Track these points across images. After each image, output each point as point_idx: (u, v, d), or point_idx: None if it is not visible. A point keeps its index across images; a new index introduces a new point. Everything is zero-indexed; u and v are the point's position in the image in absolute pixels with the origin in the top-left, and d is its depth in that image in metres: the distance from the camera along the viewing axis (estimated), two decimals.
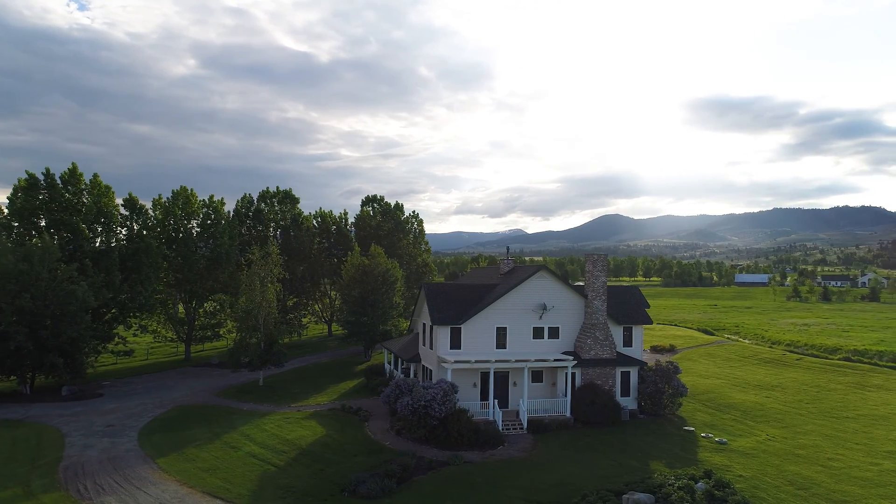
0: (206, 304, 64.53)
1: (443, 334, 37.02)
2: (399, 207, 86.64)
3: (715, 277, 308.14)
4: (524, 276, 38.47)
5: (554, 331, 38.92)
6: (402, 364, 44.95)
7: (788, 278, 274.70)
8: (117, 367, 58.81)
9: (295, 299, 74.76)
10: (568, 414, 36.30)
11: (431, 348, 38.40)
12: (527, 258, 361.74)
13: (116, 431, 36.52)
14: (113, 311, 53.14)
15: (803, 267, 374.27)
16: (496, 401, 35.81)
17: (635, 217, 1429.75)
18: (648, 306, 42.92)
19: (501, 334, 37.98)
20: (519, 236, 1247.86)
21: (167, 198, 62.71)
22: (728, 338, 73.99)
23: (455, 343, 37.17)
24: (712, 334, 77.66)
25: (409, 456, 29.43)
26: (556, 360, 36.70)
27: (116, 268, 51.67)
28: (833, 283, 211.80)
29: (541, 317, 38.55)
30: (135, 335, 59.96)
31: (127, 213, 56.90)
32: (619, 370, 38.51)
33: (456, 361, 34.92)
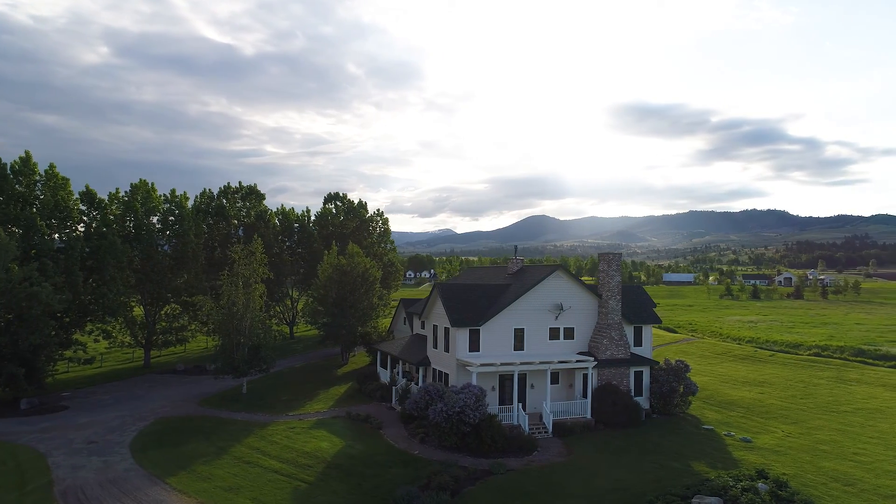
0: (168, 307, 60.06)
1: (461, 337, 35.61)
2: (363, 205, 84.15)
3: (643, 277, 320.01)
4: (541, 277, 37.62)
5: (569, 331, 38.31)
6: (404, 367, 43.15)
7: (711, 277, 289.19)
8: (69, 375, 53.73)
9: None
10: (589, 415, 35.74)
11: (447, 351, 36.88)
12: (463, 258, 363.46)
13: (102, 448, 32.94)
14: (70, 315, 48.37)
15: (720, 266, 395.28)
16: (513, 404, 34.90)
17: (561, 218, 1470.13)
18: (655, 305, 43.11)
19: (519, 336, 36.98)
20: (449, 236, 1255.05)
21: (125, 191, 57.99)
22: (692, 335, 76.25)
23: (474, 346, 35.84)
24: (675, 332, 79.83)
25: (454, 466, 27.90)
26: (577, 360, 36.07)
27: (78, 267, 47.11)
28: (753, 281, 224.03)
29: (557, 317, 37.83)
30: (96, 341, 54.98)
31: (84, 208, 52.07)
32: (632, 370, 38.33)
33: (482, 365, 33.61)
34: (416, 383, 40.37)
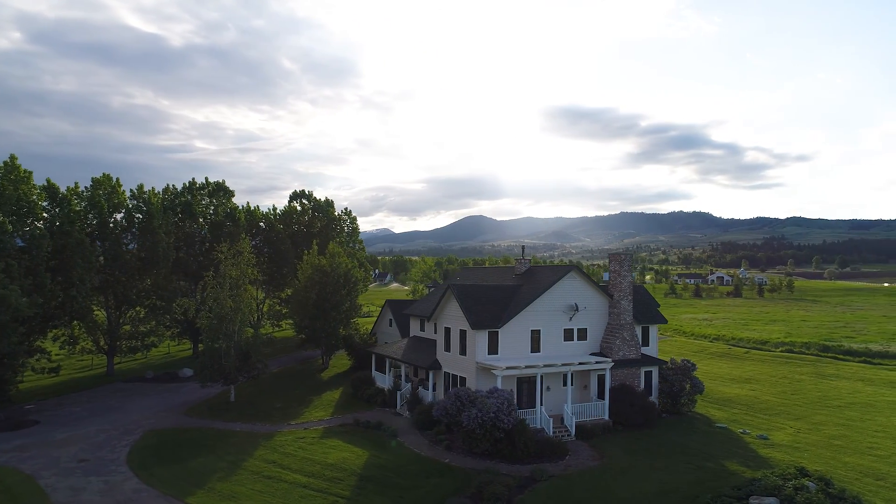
0: (133, 310, 56.09)
1: (480, 339, 34.62)
2: (330, 203, 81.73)
3: None
4: (556, 277, 37.08)
5: (582, 332, 37.97)
6: (409, 371, 41.78)
7: (648, 276, 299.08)
8: (27, 385, 49.11)
9: None
10: (606, 416, 35.50)
11: (463, 354, 35.79)
12: (407, 258, 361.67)
13: (97, 467, 30.14)
14: (33, 320, 44.29)
15: (652, 266, 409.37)
16: (535, 407, 34.26)
17: (497, 218, 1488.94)
18: (659, 305, 43.38)
19: (535, 337, 36.33)
20: (386, 235, 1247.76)
21: (85, 186, 53.78)
22: (660, 333, 77.88)
23: (492, 348, 34.91)
24: None
25: (500, 474, 26.91)
26: (597, 362, 35.76)
27: (43, 268, 43.21)
28: (693, 280, 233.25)
29: (571, 318, 37.42)
30: (62, 348, 50.69)
31: (46, 204, 47.91)
32: (642, 370, 38.41)
33: (507, 368, 32.72)
34: (426, 388, 39.10)
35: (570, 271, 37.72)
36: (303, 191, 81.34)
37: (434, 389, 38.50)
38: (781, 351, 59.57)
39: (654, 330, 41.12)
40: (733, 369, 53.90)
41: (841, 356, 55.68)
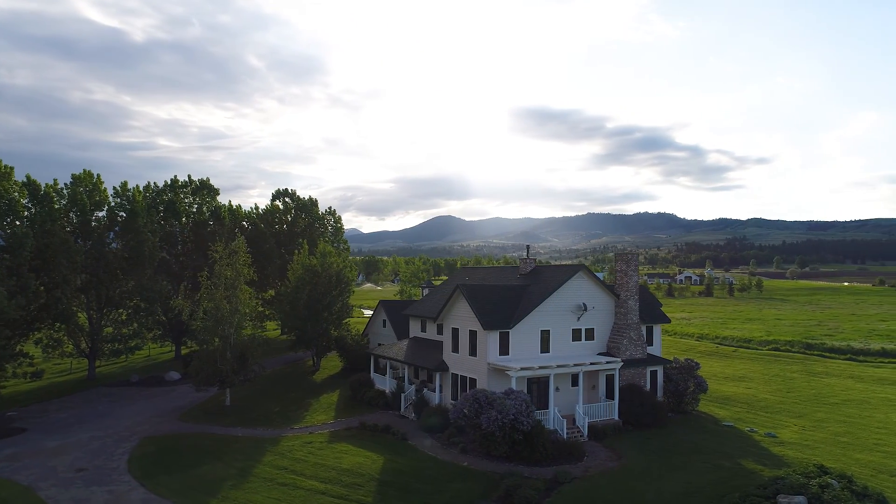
0: (115, 312, 54.13)
1: (492, 340, 34.15)
2: (314, 202, 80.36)
3: None
4: (564, 277, 36.84)
5: (590, 332, 37.82)
6: (406, 371, 41.09)
7: None
8: (5, 391, 46.97)
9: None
10: (616, 417, 35.41)
11: (473, 355, 35.26)
12: (378, 258, 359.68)
13: (98, 476, 28.81)
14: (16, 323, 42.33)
15: None
16: (547, 408, 33.99)
17: (466, 218, 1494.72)
18: (661, 304, 43.53)
19: (545, 338, 36.02)
20: (355, 235, 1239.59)
21: (65, 183, 51.71)
22: None
23: (504, 349, 34.48)
24: None
25: (529, 478, 26.48)
26: (608, 362, 35.61)
27: (26, 268, 41.29)
28: (665, 280, 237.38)
29: (579, 318, 37.25)
30: (45, 352, 48.54)
31: (26, 202, 45.86)
32: (648, 369, 38.48)
33: (522, 369, 32.33)
34: (432, 390, 38.49)
35: (579, 271, 37.51)
36: (286, 189, 79.95)
37: (441, 391, 37.92)
38: (768, 349, 60.59)
39: (657, 329, 41.26)
40: (725, 368, 54.56)
41: (827, 354, 56.83)
